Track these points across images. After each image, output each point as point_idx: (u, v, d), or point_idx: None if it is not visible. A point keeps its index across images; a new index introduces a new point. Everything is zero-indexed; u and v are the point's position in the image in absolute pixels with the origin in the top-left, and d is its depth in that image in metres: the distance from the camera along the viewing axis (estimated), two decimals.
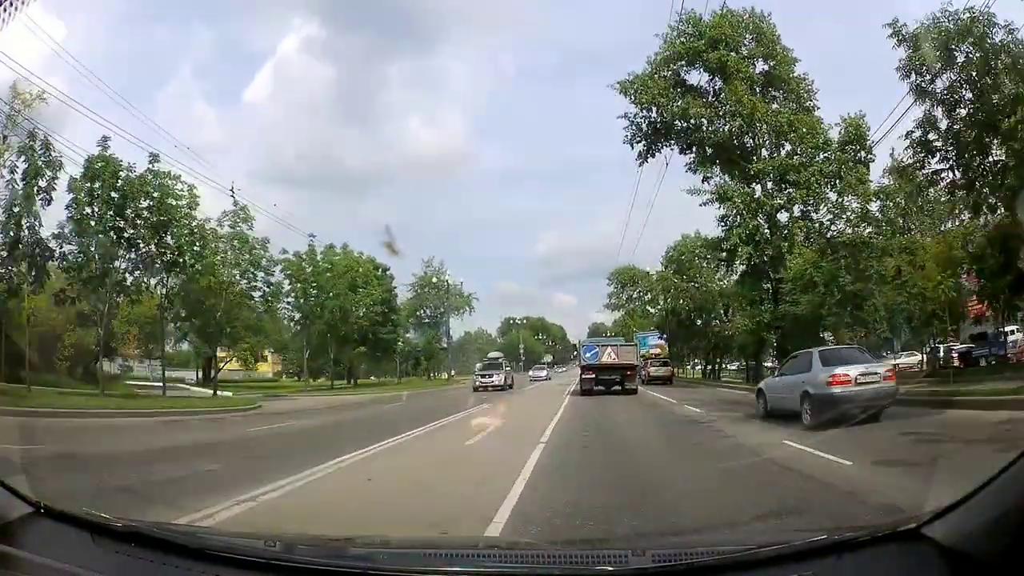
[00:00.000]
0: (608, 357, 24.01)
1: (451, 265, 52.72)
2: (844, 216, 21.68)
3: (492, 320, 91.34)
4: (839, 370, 10.04)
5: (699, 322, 40.76)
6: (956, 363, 20.17)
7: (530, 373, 47.13)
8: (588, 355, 24.40)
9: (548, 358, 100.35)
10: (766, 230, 23.50)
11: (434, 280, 51.09)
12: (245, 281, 25.09)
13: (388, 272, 41.48)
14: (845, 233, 20.89)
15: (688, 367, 51.33)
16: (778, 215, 23.91)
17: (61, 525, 1.94)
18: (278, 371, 56.41)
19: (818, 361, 10.67)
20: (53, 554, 1.78)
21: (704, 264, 38.73)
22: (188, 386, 28.89)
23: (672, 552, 2.14)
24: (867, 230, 20.21)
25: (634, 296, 55.00)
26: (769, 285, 24.04)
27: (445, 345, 53.19)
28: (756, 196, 23.43)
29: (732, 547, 2.14)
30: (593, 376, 23.91)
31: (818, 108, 24.12)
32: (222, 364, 30.67)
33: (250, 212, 24.54)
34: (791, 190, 23.02)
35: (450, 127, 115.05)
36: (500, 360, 34.78)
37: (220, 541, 2.14)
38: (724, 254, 24.98)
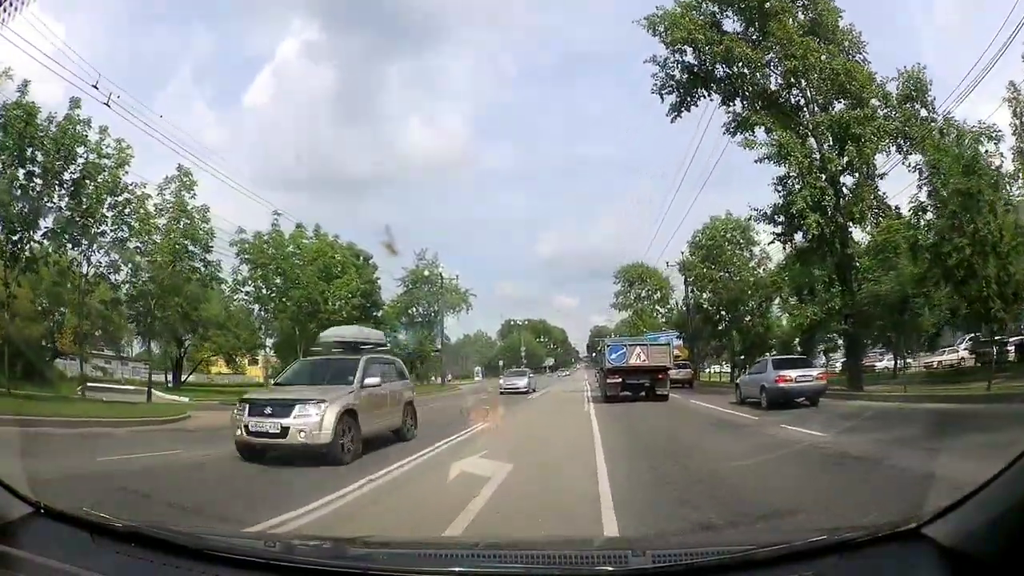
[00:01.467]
0: (637, 359, 23.94)
1: (451, 266, 52.38)
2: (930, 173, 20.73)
3: (492, 322, 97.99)
4: (783, 372, 17.69)
5: (729, 317, 40.85)
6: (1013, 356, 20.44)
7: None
8: (613, 356, 24.22)
9: (550, 361, 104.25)
10: (832, 195, 22.81)
11: (426, 274, 51.19)
12: (185, 260, 24.31)
13: (371, 261, 40.95)
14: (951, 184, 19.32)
15: (711, 369, 51.91)
16: (841, 178, 23.28)
17: (61, 525, 2.20)
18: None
19: (771, 366, 18.60)
20: (53, 554, 2.02)
21: (738, 250, 39.21)
22: (156, 390, 28.54)
23: (672, 552, 2.43)
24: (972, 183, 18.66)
25: (643, 295, 56.92)
26: (834, 264, 23.42)
27: (439, 347, 53.21)
28: (821, 153, 22.75)
29: (732, 547, 2.43)
30: (619, 381, 23.74)
31: (868, 63, 23.79)
32: (207, 364, 31.31)
33: (193, 178, 24.13)
34: (853, 148, 22.32)
35: (450, 127, 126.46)
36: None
37: (220, 541, 2.40)
38: (780, 228, 24.46)
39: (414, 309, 52.64)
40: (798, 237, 24.41)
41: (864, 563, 1.93)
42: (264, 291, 33.18)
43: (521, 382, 35.83)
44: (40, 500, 2.23)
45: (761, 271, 37.24)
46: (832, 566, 1.94)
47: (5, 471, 2.45)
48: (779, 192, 23.98)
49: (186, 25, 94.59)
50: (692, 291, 43.63)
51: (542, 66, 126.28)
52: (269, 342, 37.08)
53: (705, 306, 41.99)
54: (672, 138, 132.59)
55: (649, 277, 56.86)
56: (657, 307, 57.98)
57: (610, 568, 2.41)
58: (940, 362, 28.49)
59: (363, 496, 6.94)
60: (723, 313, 40.46)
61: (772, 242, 26.94)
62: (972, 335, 25.83)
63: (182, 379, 39.21)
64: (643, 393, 23.67)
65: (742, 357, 40.44)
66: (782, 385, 17.40)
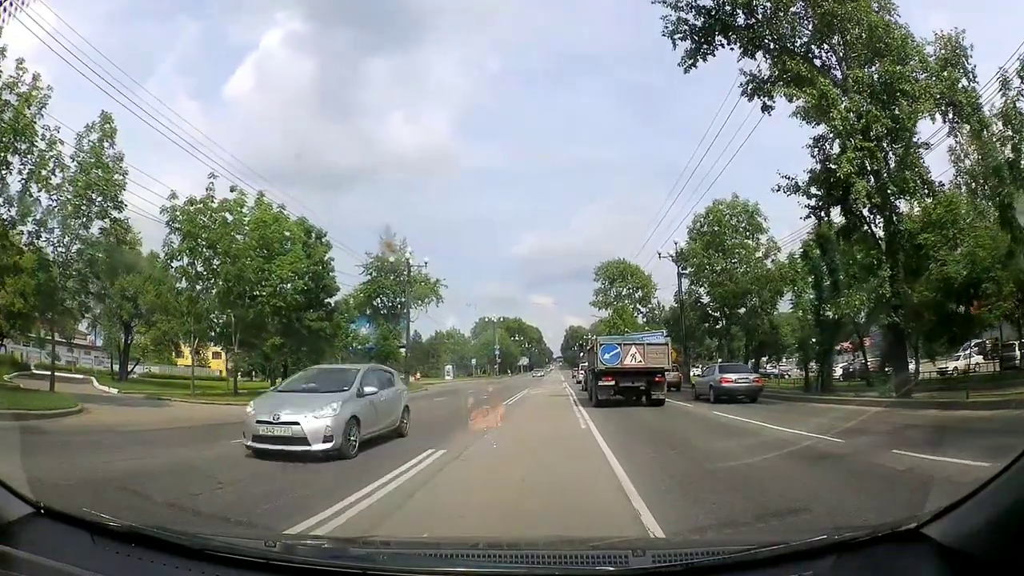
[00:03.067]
0: (632, 359, 24.13)
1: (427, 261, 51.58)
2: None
3: (469, 321, 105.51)
4: (726, 375, 25.70)
5: (729, 313, 41.06)
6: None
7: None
8: (607, 356, 24.41)
9: (524, 360, 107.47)
10: (881, 158, 22.16)
11: (391, 260, 50.50)
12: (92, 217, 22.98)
13: (324, 240, 39.26)
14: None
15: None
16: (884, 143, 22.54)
17: (61, 525, 2.42)
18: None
19: (717, 370, 26.55)
20: (53, 554, 2.23)
21: (745, 239, 39.35)
22: (100, 383, 29.26)
23: (672, 552, 2.73)
24: None
25: (624, 293, 58.70)
26: (881, 245, 22.86)
27: (404, 343, 52.22)
28: (862, 112, 21.96)
29: (732, 547, 2.70)
30: (612, 383, 23.96)
31: (904, 26, 23.23)
32: (170, 353, 30.89)
33: (115, 125, 23.14)
34: (904, 104, 21.61)
35: (431, 126, 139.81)
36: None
37: (220, 541, 2.64)
38: (815, 199, 24.08)
39: (379, 300, 52.01)
40: (835, 217, 24.09)
41: (864, 563, 2.16)
42: (195, 267, 31.26)
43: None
44: (40, 500, 2.45)
45: (769, 262, 37.44)
46: (832, 566, 2.16)
47: (5, 471, 2.60)
48: (815, 157, 23.74)
49: (169, 16, 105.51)
50: (690, 283, 43.72)
51: (526, 66, 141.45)
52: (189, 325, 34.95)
53: (703, 301, 42.33)
54: (652, 140, 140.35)
55: (631, 274, 58.44)
56: (638, 306, 59.98)
57: (610, 568, 2.66)
58: (956, 368, 28.86)
59: None
60: (725, 308, 40.44)
61: (807, 217, 26.04)
62: (978, 340, 26.70)
63: (129, 369, 38.16)
64: (637, 397, 24.03)
65: (750, 362, 40.41)
66: (725, 385, 25.67)
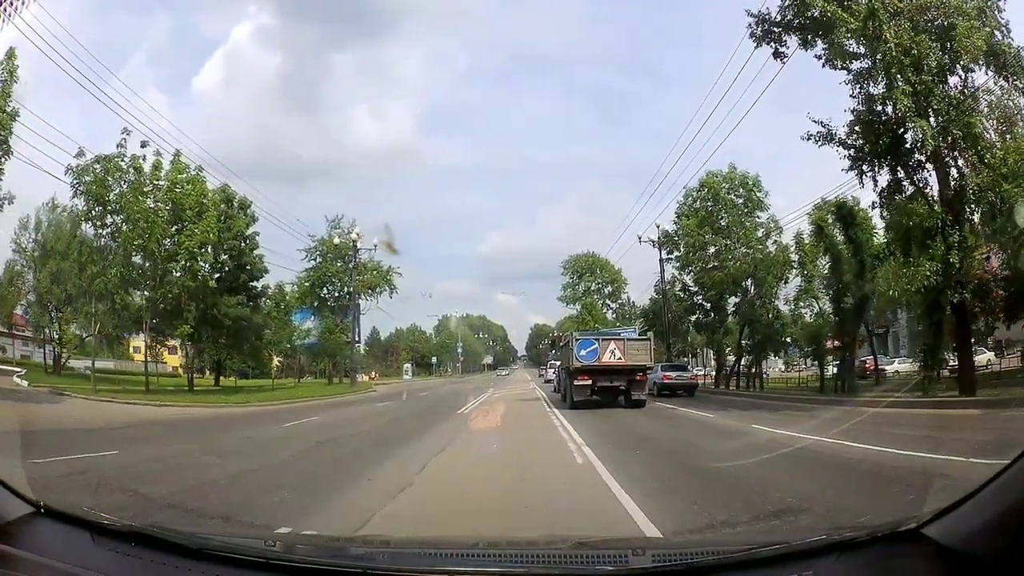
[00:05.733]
0: (611, 356, 24.94)
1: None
2: None
3: (432, 318, 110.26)
4: (666, 372, 35.78)
5: (721, 305, 41.31)
6: None
7: None
8: (583, 353, 25.15)
9: (489, 359, 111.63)
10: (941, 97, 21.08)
11: (336, 243, 50.01)
12: None
13: (248, 211, 38.39)
14: None
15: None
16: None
17: (61, 525, 2.76)
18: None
19: (659, 368, 34.07)
20: (53, 554, 2.56)
21: (744, 217, 39.46)
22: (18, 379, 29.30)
23: (672, 552, 3.13)
24: None
25: (592, 288, 61.73)
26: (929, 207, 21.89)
27: (350, 338, 52.14)
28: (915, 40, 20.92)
29: (732, 547, 3.11)
30: (589, 383, 24.88)
31: None
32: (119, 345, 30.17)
33: (17, 63, 23.50)
34: (964, 35, 20.58)
35: (397, 122, 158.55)
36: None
37: (219, 541, 3.01)
38: (855, 150, 23.42)
39: (325, 289, 51.84)
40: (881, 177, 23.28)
41: (864, 563, 2.51)
42: (101, 238, 30.47)
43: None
44: (40, 500, 2.79)
45: (771, 244, 37.66)
46: (832, 566, 2.50)
47: (5, 471, 2.91)
48: (856, 97, 22.96)
49: (140, 9, 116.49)
50: (676, 270, 43.82)
51: (493, 66, 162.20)
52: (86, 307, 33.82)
53: (691, 289, 42.54)
54: (617, 142, 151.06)
55: (600, 268, 60.89)
56: (608, 302, 62.87)
57: (610, 568, 3.03)
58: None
59: None
60: (719, 297, 40.62)
61: (850, 169, 24.71)
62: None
63: (62, 362, 37.85)
64: (615, 398, 24.99)
65: (741, 359, 40.85)
66: (665, 381, 34.14)
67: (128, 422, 20.95)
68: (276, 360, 63.04)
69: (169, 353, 48.66)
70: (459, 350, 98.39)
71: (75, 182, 28.47)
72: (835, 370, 33.25)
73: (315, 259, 51.47)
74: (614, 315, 60.95)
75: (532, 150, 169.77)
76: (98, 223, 29.71)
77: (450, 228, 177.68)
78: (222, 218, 35.50)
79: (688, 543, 3.95)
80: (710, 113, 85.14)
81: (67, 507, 2.85)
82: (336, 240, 50.44)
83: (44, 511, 2.75)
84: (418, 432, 17.71)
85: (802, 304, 36.20)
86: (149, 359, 35.83)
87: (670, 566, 2.75)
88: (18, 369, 35.07)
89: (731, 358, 43.98)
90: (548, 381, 52.97)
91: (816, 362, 35.07)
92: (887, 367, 34.60)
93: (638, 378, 25.00)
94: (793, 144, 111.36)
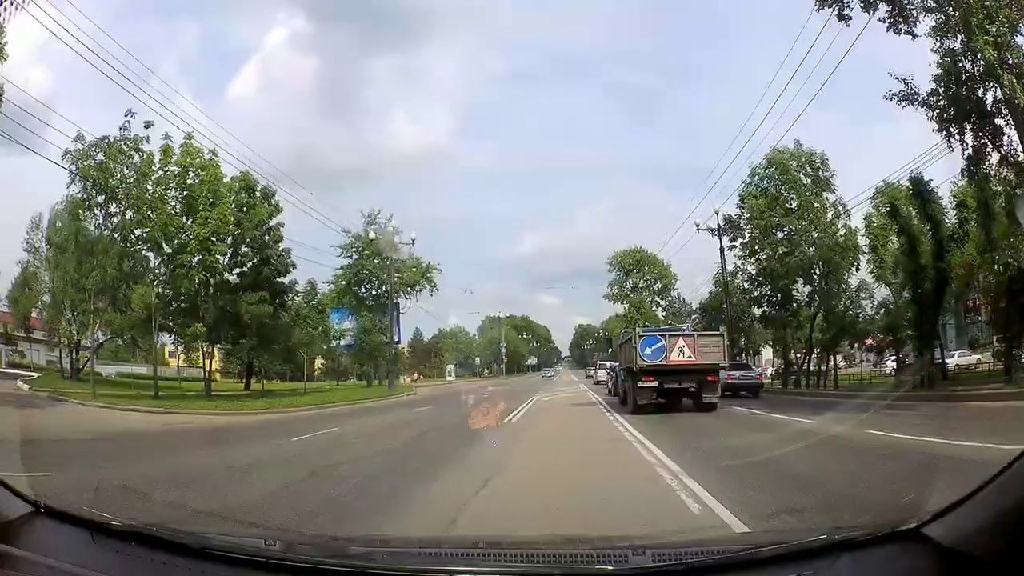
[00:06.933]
0: (679, 354, 24.20)
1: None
2: None
3: (475, 319, 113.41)
4: (729, 371, 28.96)
5: (786, 294, 40.10)
6: None
7: None
8: (648, 352, 24.34)
9: (533, 360, 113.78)
10: None
11: (372, 237, 49.61)
12: None
13: (273, 200, 37.44)
14: None
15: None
16: None
17: (61, 525, 3.00)
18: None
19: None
20: (53, 553, 2.78)
21: (814, 198, 38.09)
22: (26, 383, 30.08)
23: (672, 552, 3.25)
24: None
25: (640, 285, 61.96)
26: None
27: (387, 338, 51.73)
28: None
29: (732, 547, 3.30)
30: (655, 384, 24.07)
31: None
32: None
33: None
34: None
35: (434, 125, 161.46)
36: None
37: (220, 540, 3.25)
38: (939, 110, 23.07)
39: (363, 288, 51.92)
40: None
41: (864, 563, 2.65)
42: (101, 228, 30.04)
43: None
44: (40, 499, 3.03)
45: (840, 229, 36.91)
46: (832, 566, 2.64)
47: (5, 471, 3.16)
48: (936, 51, 22.76)
49: (170, 16, 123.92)
50: (742, 258, 42.29)
51: (528, 66, 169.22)
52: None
53: (758, 279, 41.35)
54: (655, 139, 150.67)
55: (648, 264, 60.77)
56: (657, 299, 62.81)
57: (610, 568, 3.21)
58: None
59: None
60: (792, 286, 39.43)
61: (942, 130, 24.10)
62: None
63: (81, 367, 37.36)
64: (680, 401, 24.30)
65: (811, 354, 40.05)
66: (729, 381, 30.61)
67: (106, 432, 20.34)
68: (319, 362, 64.13)
69: (204, 357, 49.00)
70: (503, 351, 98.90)
71: (73, 168, 28.35)
72: (895, 364, 33.38)
73: (351, 256, 51.69)
74: (664, 313, 60.79)
75: (567, 150, 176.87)
76: (98, 211, 29.63)
77: (488, 230, 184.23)
78: (243, 208, 35.22)
79: (688, 542, 4.07)
80: (752, 106, 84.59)
81: (67, 507, 3.05)
82: (372, 235, 50.16)
83: (44, 511, 2.95)
84: (454, 454, 14.62)
85: (872, 292, 36.26)
86: (185, 364, 36.11)
87: (670, 566, 2.88)
88: (29, 373, 35.94)
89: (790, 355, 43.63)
90: (598, 383, 52.83)
91: (883, 356, 35.38)
92: (947, 361, 33.55)
93: (710, 379, 24.18)
94: (836, 133, 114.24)
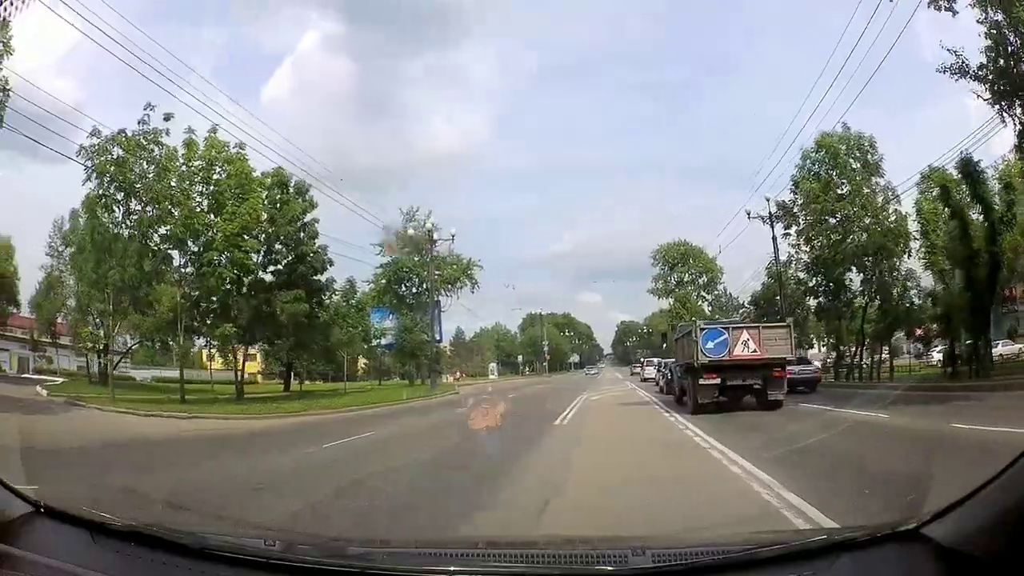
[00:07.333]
0: (744, 348, 23.14)
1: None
2: None
3: (513, 320, 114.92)
4: (791, 367, 25.33)
5: (836, 282, 39.22)
6: None
7: None
8: (710, 346, 23.22)
9: (575, 357, 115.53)
10: None
11: (411, 234, 49.22)
12: None
13: (308, 196, 36.55)
14: None
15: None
16: None
17: (61, 525, 3.10)
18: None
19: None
20: (53, 553, 2.88)
21: (864, 181, 37.39)
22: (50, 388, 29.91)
23: (672, 552, 3.29)
24: None
25: (686, 279, 61.49)
26: None
27: (429, 337, 51.07)
28: None
29: (732, 547, 3.32)
30: (717, 382, 22.97)
31: None
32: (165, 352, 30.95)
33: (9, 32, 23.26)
34: None
35: (465, 125, 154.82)
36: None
37: (220, 541, 3.34)
38: (991, 84, 23.12)
39: (403, 286, 52.11)
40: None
41: (864, 563, 2.70)
42: (119, 225, 29.36)
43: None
44: (40, 499, 3.14)
45: (891, 215, 36.35)
46: (832, 566, 2.70)
47: (5, 470, 3.27)
48: (984, 23, 22.70)
49: (201, 21, 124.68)
50: (794, 246, 41.28)
51: (560, 64, 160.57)
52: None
53: (814, 266, 40.12)
54: (697, 135, 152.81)
55: (694, 258, 60.71)
56: (703, 293, 62.34)
57: (610, 568, 3.27)
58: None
59: None
60: (845, 275, 38.56)
61: (995, 104, 23.80)
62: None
63: (109, 369, 36.07)
64: (741, 398, 23.37)
65: (863, 346, 39.56)
66: (790, 376, 26.80)
67: (111, 439, 19.29)
68: (361, 362, 64.69)
69: (247, 360, 48.88)
70: (545, 348, 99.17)
71: (89, 163, 28.02)
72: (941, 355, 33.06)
73: (390, 255, 51.20)
74: (710, 308, 60.08)
75: (604, 147, 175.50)
76: (117, 208, 29.05)
77: (526, 229, 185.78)
78: (276, 204, 34.72)
79: (688, 542, 4.08)
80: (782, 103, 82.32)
81: (67, 506, 3.15)
82: (411, 232, 49.47)
83: (44, 510, 3.05)
84: (503, 462, 13.23)
85: (918, 281, 35.85)
86: (226, 367, 36.30)
87: (670, 566, 2.93)
88: (53, 379, 36.31)
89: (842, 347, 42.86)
90: (645, 380, 52.46)
91: (930, 346, 35.01)
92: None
93: (776, 374, 22.97)
94: (877, 119, 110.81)
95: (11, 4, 11.74)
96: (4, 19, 23.41)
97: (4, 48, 23.97)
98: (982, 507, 2.34)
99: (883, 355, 39.54)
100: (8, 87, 24.61)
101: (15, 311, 42.08)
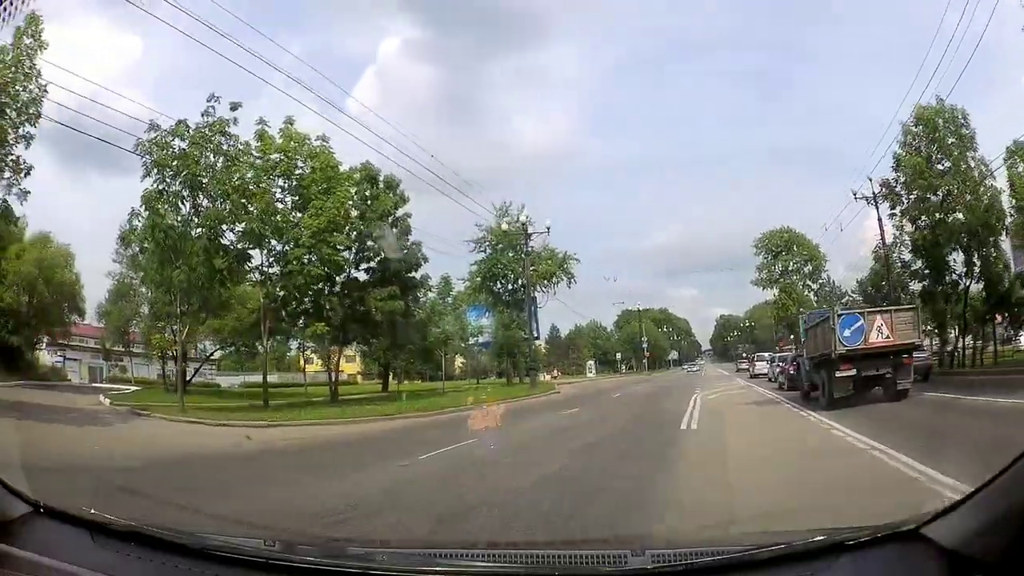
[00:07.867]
0: (878, 334, 21.76)
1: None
2: None
3: (610, 316, 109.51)
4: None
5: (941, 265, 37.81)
6: None
7: None
8: (847, 333, 21.81)
9: (674, 354, 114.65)
10: None
11: (505, 228, 48.99)
12: None
13: (399, 190, 35.79)
14: None
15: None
16: None
17: (61, 525, 3.19)
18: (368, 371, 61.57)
19: None
20: (53, 553, 2.95)
21: (961, 157, 36.14)
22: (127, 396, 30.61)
23: (672, 552, 3.28)
24: None
25: (790, 268, 59.21)
26: None
27: (526, 334, 50.92)
28: None
29: (732, 547, 3.30)
30: (853, 373, 21.49)
31: None
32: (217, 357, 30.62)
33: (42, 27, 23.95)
34: None
35: (556, 123, 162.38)
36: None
37: (220, 541, 3.40)
38: None
39: (499, 284, 51.76)
40: None
41: (863, 563, 2.66)
42: (185, 223, 27.80)
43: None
44: (40, 499, 3.22)
45: (988, 189, 35.38)
46: (831, 566, 2.68)
47: (5, 470, 3.39)
48: None
49: (283, 31, 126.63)
50: (899, 225, 39.66)
51: (649, 56, 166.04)
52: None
53: (923, 245, 38.35)
54: (794, 124, 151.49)
55: (797, 245, 58.96)
56: (808, 282, 60.07)
57: (610, 568, 3.31)
58: None
59: None
60: (956, 250, 37.06)
61: None
62: None
63: (190, 378, 35.93)
64: (870, 388, 22.24)
65: (967, 330, 38.53)
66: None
67: (162, 454, 17.61)
68: (458, 360, 65.47)
69: (347, 362, 49.24)
70: (644, 345, 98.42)
71: (147, 159, 26.77)
72: None
73: (484, 251, 51.51)
74: (816, 297, 58.03)
75: (697, 138, 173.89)
76: (183, 203, 27.49)
77: (621, 224, 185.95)
78: (366, 199, 33.95)
79: (688, 543, 4.02)
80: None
81: (67, 506, 3.23)
82: (505, 227, 49.35)
83: (44, 510, 3.13)
84: (643, 490, 10.45)
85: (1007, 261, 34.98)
86: (328, 369, 35.82)
87: (670, 566, 2.93)
88: (123, 387, 36.67)
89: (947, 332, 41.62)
90: (755, 376, 50.68)
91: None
92: None
93: (905, 361, 21.56)
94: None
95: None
96: (34, 12, 23.98)
97: (36, 43, 24.70)
98: (982, 508, 2.33)
99: (990, 339, 38.64)
100: (45, 85, 24.95)
101: (79, 320, 41.17)
